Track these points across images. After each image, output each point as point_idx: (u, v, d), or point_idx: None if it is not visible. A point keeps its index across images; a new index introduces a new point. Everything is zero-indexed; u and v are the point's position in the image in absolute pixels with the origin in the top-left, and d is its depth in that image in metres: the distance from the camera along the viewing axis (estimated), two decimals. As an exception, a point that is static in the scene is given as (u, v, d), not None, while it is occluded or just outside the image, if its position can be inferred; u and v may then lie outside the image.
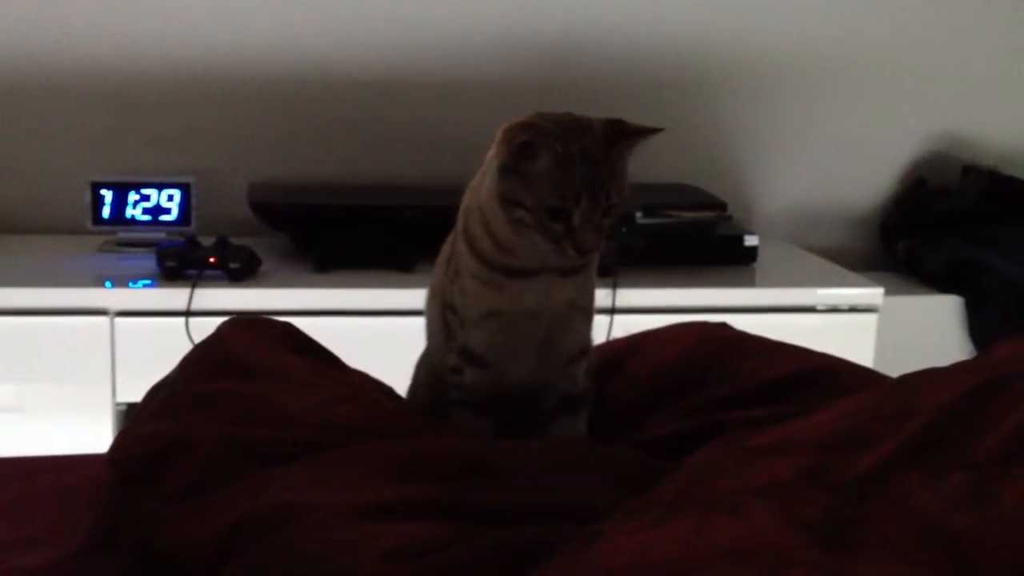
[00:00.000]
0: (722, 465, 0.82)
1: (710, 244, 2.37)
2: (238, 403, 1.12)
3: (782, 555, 0.67)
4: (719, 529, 0.71)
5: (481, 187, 1.09)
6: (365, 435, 1.06)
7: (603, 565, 0.73)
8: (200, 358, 1.23)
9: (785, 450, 0.79)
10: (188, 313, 2.03)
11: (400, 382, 1.29)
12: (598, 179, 1.02)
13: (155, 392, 1.21)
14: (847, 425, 0.80)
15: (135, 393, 1.27)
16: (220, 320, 1.31)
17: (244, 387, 1.14)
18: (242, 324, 1.31)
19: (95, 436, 1.97)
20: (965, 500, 0.67)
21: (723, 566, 0.68)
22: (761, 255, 2.36)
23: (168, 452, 1.05)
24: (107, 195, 2.28)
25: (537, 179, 1.01)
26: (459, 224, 1.13)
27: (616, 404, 1.24)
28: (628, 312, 2.05)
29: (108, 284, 2.12)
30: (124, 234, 2.30)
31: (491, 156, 1.07)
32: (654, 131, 1.05)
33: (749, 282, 2.33)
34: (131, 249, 2.28)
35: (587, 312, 1.16)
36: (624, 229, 2.12)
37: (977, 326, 2.50)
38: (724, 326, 1.40)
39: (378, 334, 2.04)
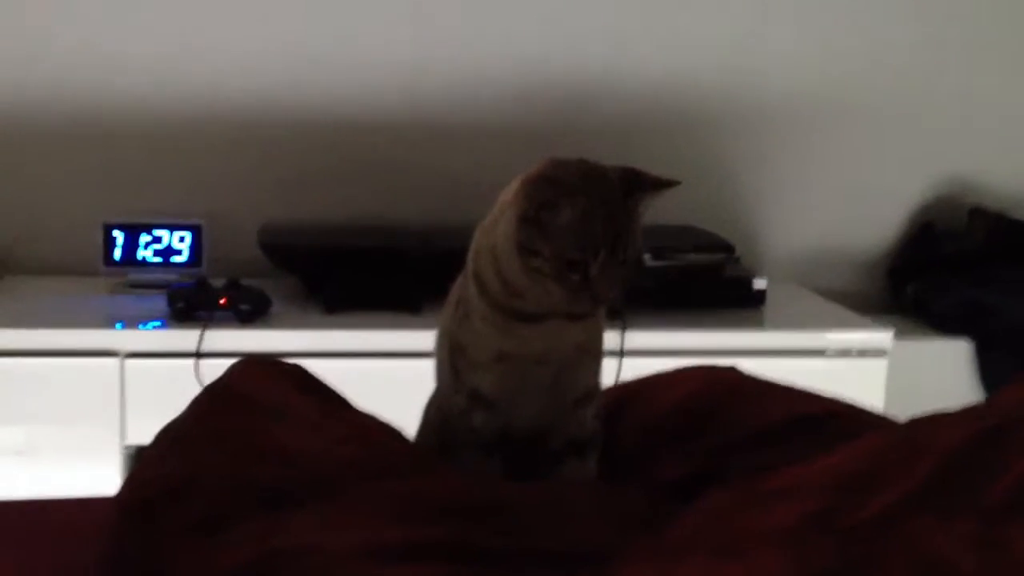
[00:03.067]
0: (730, 510, 0.81)
1: (718, 286, 2.37)
2: (247, 444, 1.11)
3: (791, 601, 0.67)
4: None
5: (492, 229, 1.10)
6: (373, 477, 1.06)
7: (611, 609, 0.73)
8: (210, 400, 1.23)
9: (794, 495, 0.79)
10: (198, 354, 2.03)
11: (409, 424, 1.29)
12: (616, 231, 1.02)
13: (164, 434, 1.21)
14: (856, 469, 0.80)
15: (144, 435, 1.26)
16: (230, 362, 1.31)
17: (253, 428, 1.14)
18: (252, 366, 1.31)
19: (104, 478, 1.97)
20: (974, 546, 0.67)
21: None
22: (770, 298, 2.36)
23: (176, 493, 1.05)
24: (119, 236, 2.30)
25: (558, 232, 1.02)
26: (469, 266, 1.13)
27: (624, 447, 1.23)
28: (636, 355, 2.05)
29: (119, 325, 2.13)
30: (135, 275, 2.31)
31: (507, 202, 1.07)
32: (671, 184, 1.06)
33: (758, 325, 2.33)
34: (142, 290, 2.29)
35: (596, 355, 1.17)
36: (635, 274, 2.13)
37: (987, 369, 2.49)
38: (732, 370, 1.39)
39: (387, 376, 2.05)
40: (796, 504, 0.77)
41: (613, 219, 1.02)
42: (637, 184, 1.05)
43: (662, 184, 1.06)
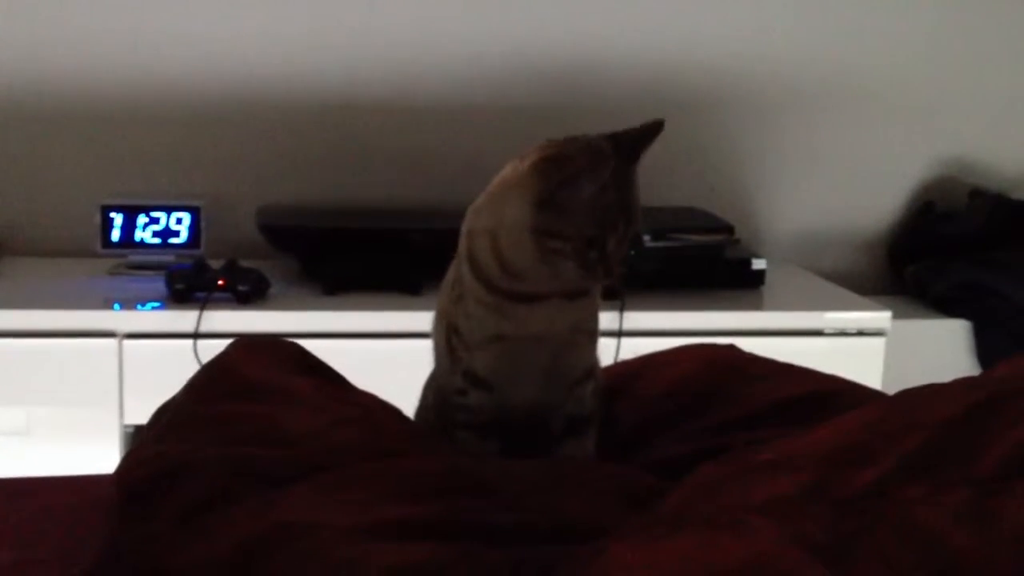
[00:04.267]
0: (723, 482, 0.82)
1: (718, 267, 2.37)
2: (244, 424, 1.12)
3: (785, 573, 0.67)
4: (721, 546, 0.71)
5: (486, 210, 1.09)
6: (371, 456, 1.06)
7: (606, 584, 0.73)
8: (207, 379, 1.23)
9: (787, 466, 0.79)
10: (196, 335, 2.04)
11: (408, 404, 1.29)
12: (627, 202, 1.03)
13: (161, 413, 1.21)
14: (849, 440, 0.80)
15: (143, 415, 1.27)
16: (228, 342, 1.32)
17: (251, 408, 1.14)
18: (249, 345, 1.31)
19: (103, 458, 1.97)
20: (966, 517, 0.67)
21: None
22: (769, 278, 2.36)
23: (173, 473, 1.05)
24: (117, 218, 2.30)
25: (577, 211, 1.02)
26: (462, 247, 1.13)
27: (623, 426, 1.24)
28: (636, 335, 2.05)
29: (117, 306, 2.13)
30: (134, 257, 2.32)
31: (507, 185, 1.06)
32: (656, 128, 1.06)
33: (757, 305, 2.33)
34: (140, 271, 2.29)
35: (592, 334, 1.17)
36: (633, 251, 2.14)
37: (985, 350, 2.50)
38: (732, 348, 1.40)
39: (386, 356, 2.05)
40: (789, 476, 0.77)
41: (622, 189, 1.03)
42: (629, 146, 1.05)
43: (648, 133, 1.06)
